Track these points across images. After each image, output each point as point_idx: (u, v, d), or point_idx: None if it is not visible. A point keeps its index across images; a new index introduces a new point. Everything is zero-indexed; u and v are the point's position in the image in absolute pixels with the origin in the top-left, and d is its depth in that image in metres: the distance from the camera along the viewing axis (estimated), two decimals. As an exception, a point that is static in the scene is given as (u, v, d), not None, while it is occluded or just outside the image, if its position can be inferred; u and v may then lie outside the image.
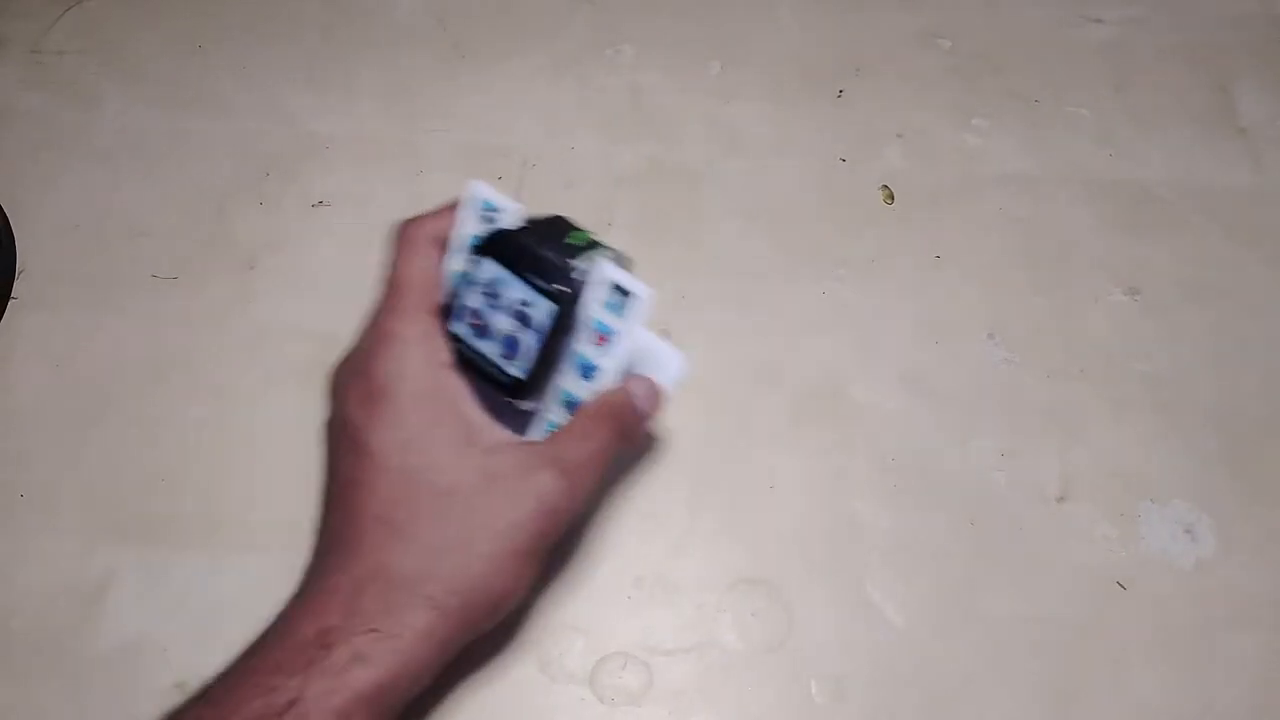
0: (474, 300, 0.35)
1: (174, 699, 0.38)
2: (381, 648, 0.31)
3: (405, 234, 0.36)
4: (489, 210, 0.36)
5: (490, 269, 0.35)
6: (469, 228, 0.36)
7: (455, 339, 0.35)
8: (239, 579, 0.41)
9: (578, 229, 0.35)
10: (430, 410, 0.33)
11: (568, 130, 0.52)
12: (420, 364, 0.34)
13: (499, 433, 0.34)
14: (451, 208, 0.36)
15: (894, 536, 0.41)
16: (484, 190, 0.36)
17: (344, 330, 0.46)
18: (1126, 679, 0.39)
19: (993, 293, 0.47)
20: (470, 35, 0.55)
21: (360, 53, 0.55)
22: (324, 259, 0.48)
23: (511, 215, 0.35)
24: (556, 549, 0.34)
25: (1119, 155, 0.51)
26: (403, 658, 0.31)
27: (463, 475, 0.32)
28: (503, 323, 0.34)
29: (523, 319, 0.34)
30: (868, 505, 0.42)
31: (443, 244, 0.36)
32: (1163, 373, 0.45)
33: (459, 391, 0.34)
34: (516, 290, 0.34)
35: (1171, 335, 0.46)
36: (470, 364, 0.35)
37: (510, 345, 0.34)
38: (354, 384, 0.34)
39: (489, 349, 0.35)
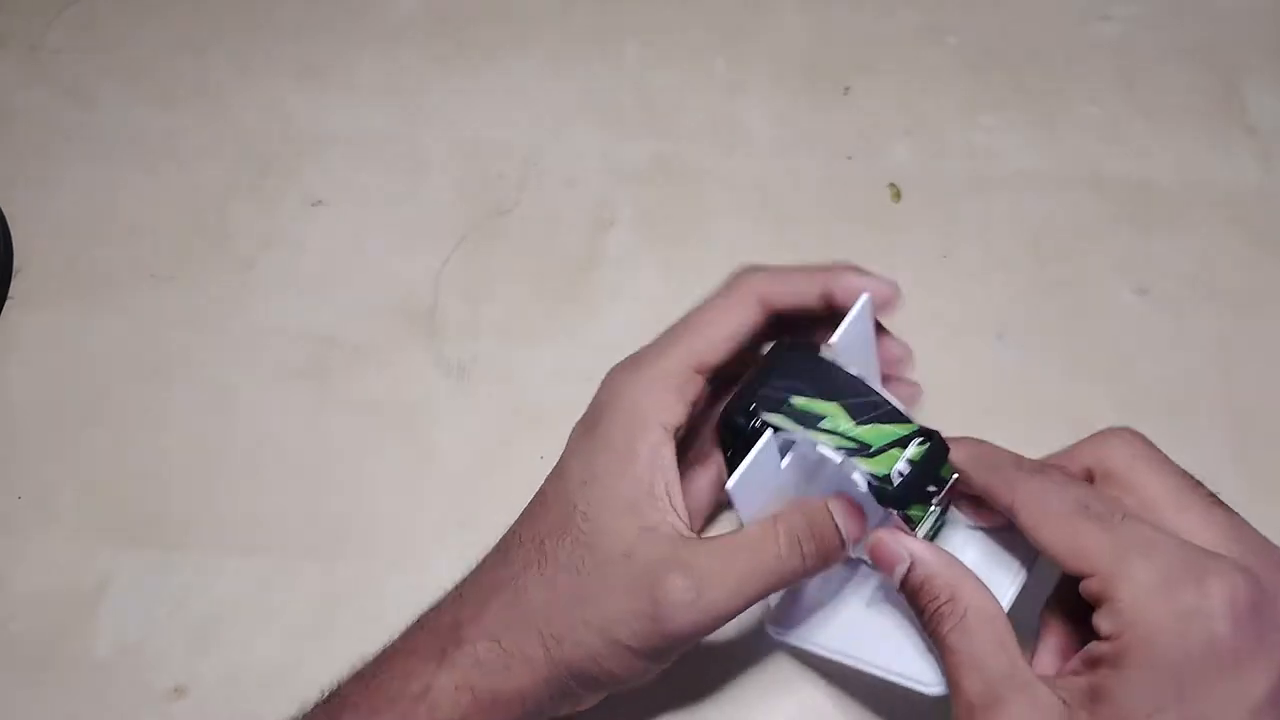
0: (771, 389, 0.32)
1: (173, 702, 0.38)
2: (495, 661, 0.31)
3: (744, 283, 0.33)
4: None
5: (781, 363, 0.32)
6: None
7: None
8: (238, 581, 0.40)
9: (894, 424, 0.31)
10: (624, 458, 0.31)
11: (570, 127, 0.52)
12: (645, 412, 0.31)
13: (671, 513, 0.31)
14: (809, 276, 0.33)
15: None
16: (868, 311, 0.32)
17: (343, 330, 0.46)
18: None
19: (1001, 291, 0.47)
20: (471, 31, 0.55)
21: (360, 50, 0.54)
22: (323, 258, 0.48)
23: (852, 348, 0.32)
24: (677, 652, 0.31)
25: (1128, 153, 0.51)
26: (512, 679, 0.31)
27: (613, 540, 0.30)
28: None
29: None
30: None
31: (772, 309, 0.33)
32: (1172, 372, 0.45)
33: (664, 455, 0.31)
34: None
35: (1181, 334, 0.45)
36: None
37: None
38: (597, 396, 0.33)
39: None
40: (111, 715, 0.38)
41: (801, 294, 0.33)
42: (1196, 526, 0.28)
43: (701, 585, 0.29)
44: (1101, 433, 0.32)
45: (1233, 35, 0.55)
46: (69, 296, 0.47)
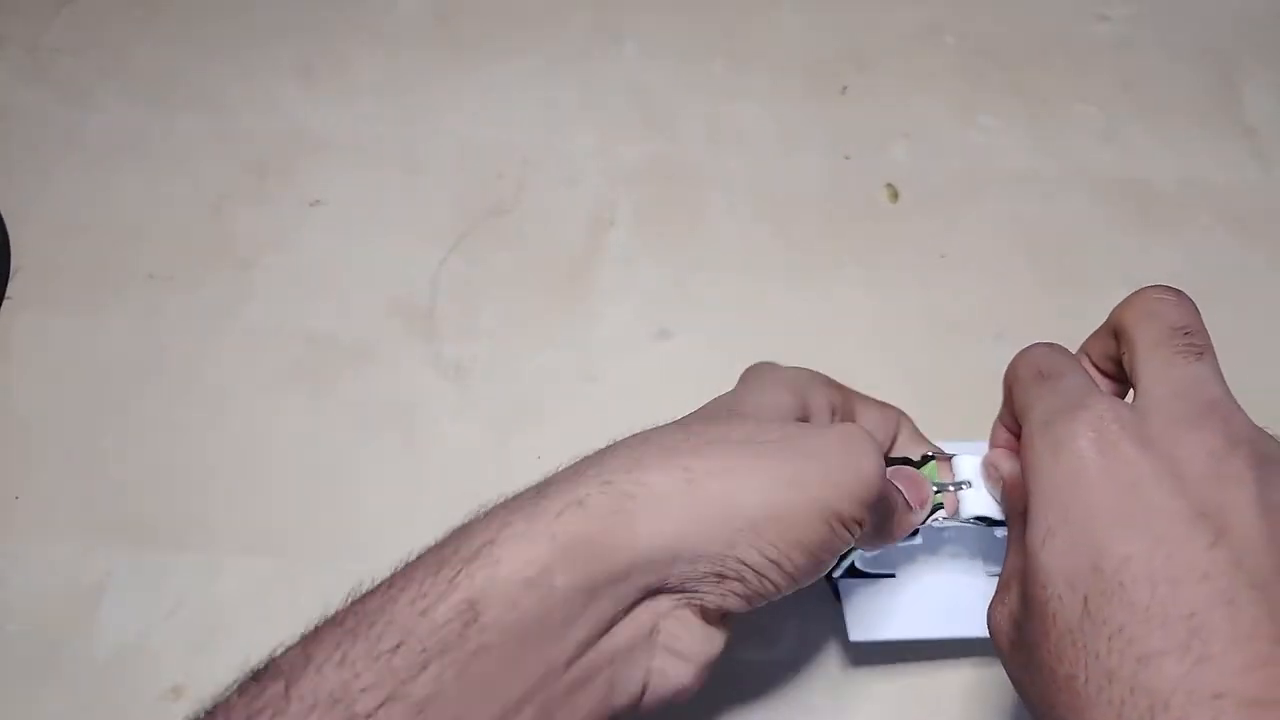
0: None
1: (173, 702, 0.38)
2: (603, 501, 0.26)
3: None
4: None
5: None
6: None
7: None
8: (237, 581, 0.40)
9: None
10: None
11: (569, 128, 0.52)
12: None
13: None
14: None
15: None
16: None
17: (342, 330, 0.46)
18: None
19: (1000, 292, 0.47)
20: (470, 32, 0.55)
21: (359, 50, 0.54)
22: (321, 258, 0.48)
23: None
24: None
25: (1126, 153, 0.51)
26: (625, 519, 0.26)
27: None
28: None
29: None
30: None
31: None
32: (1171, 372, 0.45)
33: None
34: None
35: (1179, 334, 0.46)
36: None
37: None
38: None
39: None
40: (111, 715, 0.38)
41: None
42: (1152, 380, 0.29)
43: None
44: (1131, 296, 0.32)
45: (1231, 35, 0.55)
46: (68, 297, 0.47)
